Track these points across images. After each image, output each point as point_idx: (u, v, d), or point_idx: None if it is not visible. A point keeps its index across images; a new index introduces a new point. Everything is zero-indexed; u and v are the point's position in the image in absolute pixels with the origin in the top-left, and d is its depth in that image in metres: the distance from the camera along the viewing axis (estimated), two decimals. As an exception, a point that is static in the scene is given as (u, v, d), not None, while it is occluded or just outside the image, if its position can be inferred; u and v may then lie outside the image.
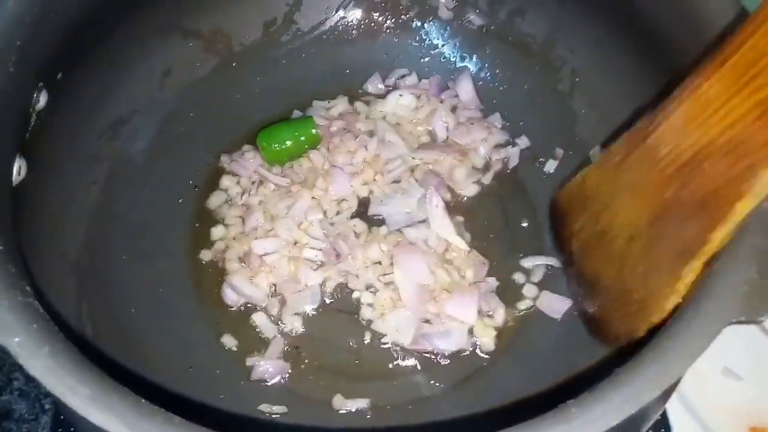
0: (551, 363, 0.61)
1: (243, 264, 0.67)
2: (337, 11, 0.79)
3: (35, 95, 0.54)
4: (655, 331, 0.41)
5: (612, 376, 0.37)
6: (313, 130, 0.72)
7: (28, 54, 0.50)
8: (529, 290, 0.66)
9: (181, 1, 0.71)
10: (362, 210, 0.70)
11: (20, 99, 0.51)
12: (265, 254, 0.66)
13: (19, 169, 0.51)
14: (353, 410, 0.60)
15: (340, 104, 0.76)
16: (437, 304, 0.62)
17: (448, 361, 0.63)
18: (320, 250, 0.67)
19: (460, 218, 0.69)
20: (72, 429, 0.66)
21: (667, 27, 0.58)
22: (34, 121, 0.55)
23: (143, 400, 0.35)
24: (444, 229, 0.66)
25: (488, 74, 0.78)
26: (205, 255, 0.69)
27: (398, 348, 0.63)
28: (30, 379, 0.71)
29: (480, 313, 0.63)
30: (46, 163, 0.57)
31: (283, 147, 0.71)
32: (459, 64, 0.79)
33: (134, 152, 0.70)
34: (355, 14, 0.79)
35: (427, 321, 0.63)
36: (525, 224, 0.70)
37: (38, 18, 0.52)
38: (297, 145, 0.72)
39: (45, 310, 0.39)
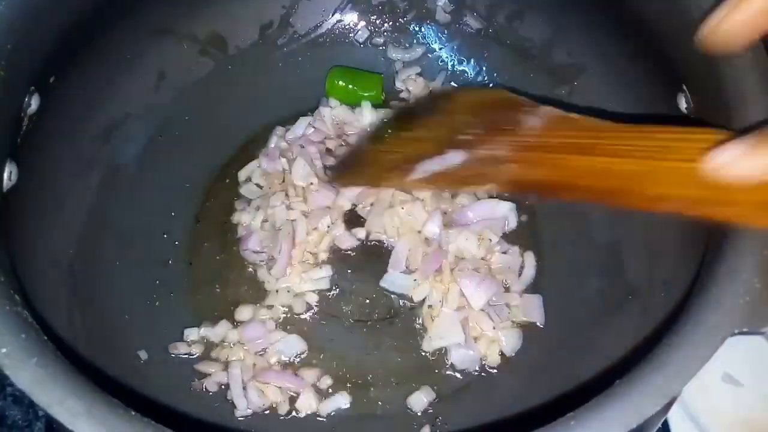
0: (551, 374, 0.60)
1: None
2: (333, 14, 0.78)
3: (27, 99, 0.53)
4: (656, 343, 0.40)
5: (612, 388, 0.36)
6: (375, 91, 0.76)
7: (19, 58, 0.50)
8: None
9: (176, 4, 0.70)
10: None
11: (12, 103, 0.51)
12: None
13: (9, 174, 0.50)
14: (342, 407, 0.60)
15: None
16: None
17: (452, 372, 0.62)
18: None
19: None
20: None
21: (666, 32, 0.57)
22: (25, 125, 0.54)
23: (134, 413, 0.34)
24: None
25: (486, 78, 0.77)
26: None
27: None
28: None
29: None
30: (37, 168, 0.56)
31: (342, 86, 0.75)
32: (457, 68, 0.78)
33: (128, 157, 0.69)
34: (352, 17, 0.79)
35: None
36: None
37: (28, 22, 0.51)
38: (354, 92, 0.75)
39: (35, 319, 0.39)
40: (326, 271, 0.67)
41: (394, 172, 0.65)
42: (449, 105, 0.66)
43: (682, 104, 0.56)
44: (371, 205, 0.70)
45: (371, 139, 0.72)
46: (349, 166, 0.70)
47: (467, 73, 0.78)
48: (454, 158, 0.60)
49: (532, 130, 0.56)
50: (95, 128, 0.66)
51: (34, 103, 0.54)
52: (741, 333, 0.37)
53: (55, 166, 0.60)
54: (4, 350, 0.34)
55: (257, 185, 0.72)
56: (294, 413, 0.61)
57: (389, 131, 0.71)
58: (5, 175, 0.49)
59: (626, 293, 0.62)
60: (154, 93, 0.72)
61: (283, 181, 0.72)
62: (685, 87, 0.55)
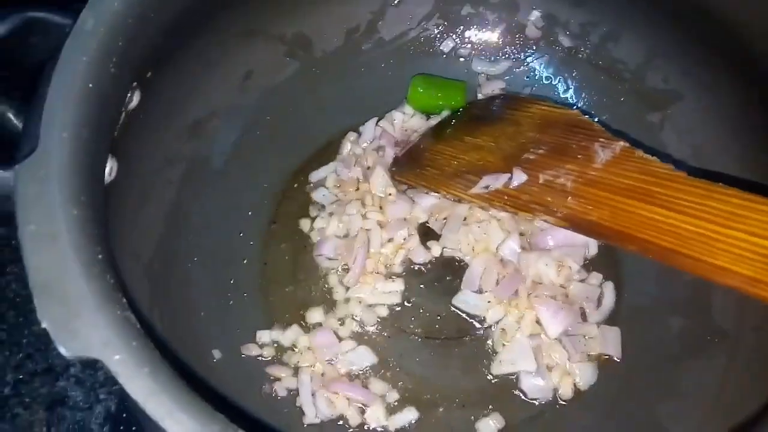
0: (629, 413, 0.58)
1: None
2: (420, 23, 0.77)
3: (129, 95, 0.53)
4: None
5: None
6: (460, 97, 0.74)
7: (128, 54, 0.50)
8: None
9: (267, 6, 0.70)
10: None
11: (118, 99, 0.51)
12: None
13: (110, 170, 0.51)
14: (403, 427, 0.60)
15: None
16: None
17: (522, 399, 0.61)
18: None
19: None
20: (133, 428, 0.66)
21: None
22: (123, 120, 0.54)
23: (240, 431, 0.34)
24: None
25: (574, 98, 0.75)
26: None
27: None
28: (87, 367, 0.71)
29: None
30: (127, 163, 0.57)
31: (425, 94, 0.74)
32: (543, 85, 0.76)
33: (211, 154, 0.70)
34: (438, 27, 0.77)
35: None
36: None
37: (139, 18, 0.51)
38: (436, 101, 0.74)
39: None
40: (398, 285, 0.67)
41: (456, 180, 0.64)
42: (519, 115, 0.65)
43: None
44: (444, 219, 0.69)
45: (434, 135, 0.71)
46: (410, 163, 0.70)
47: (554, 91, 0.76)
48: (517, 178, 0.59)
49: (600, 163, 0.54)
50: (181, 125, 0.67)
51: (136, 98, 0.54)
52: None
53: (142, 162, 0.61)
54: (116, 357, 0.34)
55: (333, 193, 0.72)
56: (363, 426, 0.60)
57: (452, 128, 0.70)
58: (107, 171, 0.50)
59: (712, 335, 0.60)
60: (240, 92, 0.72)
61: (357, 188, 0.71)
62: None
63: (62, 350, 0.35)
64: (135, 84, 0.54)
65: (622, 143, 0.55)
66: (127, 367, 0.34)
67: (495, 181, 0.61)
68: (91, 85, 0.46)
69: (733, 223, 0.43)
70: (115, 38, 0.48)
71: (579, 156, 0.56)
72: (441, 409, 0.62)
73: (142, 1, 0.51)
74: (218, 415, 0.34)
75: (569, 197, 0.54)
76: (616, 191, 0.51)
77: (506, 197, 0.59)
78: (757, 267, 0.41)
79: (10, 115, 0.63)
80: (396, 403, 0.62)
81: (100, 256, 0.39)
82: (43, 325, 0.35)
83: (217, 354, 0.62)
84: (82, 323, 0.36)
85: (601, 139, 0.56)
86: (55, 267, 0.37)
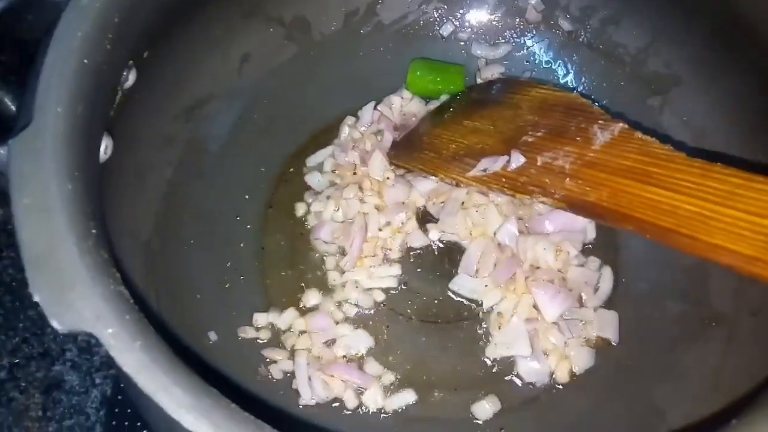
0: (625, 396, 0.58)
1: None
2: (420, 6, 0.77)
3: (125, 73, 0.53)
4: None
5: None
6: (459, 81, 0.74)
7: (123, 31, 0.50)
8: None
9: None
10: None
11: (113, 76, 0.51)
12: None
13: (105, 148, 0.50)
14: (400, 409, 0.60)
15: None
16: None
17: (518, 383, 0.61)
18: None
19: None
20: (128, 410, 0.66)
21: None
22: (119, 98, 0.54)
23: (233, 405, 0.34)
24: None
25: (573, 83, 0.74)
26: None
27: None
28: (83, 351, 0.71)
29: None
30: (124, 142, 0.56)
31: (424, 78, 0.74)
32: (543, 69, 0.76)
33: (208, 136, 0.69)
34: (438, 10, 0.77)
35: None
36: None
37: (135, -5, 0.51)
38: (435, 85, 0.74)
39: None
40: (395, 270, 0.66)
41: (453, 164, 0.64)
42: (518, 98, 0.65)
43: None
44: (442, 203, 0.69)
45: (432, 120, 0.71)
46: (409, 147, 0.69)
47: (554, 76, 0.75)
48: (515, 161, 0.59)
49: (599, 145, 0.54)
50: (179, 106, 0.66)
51: (131, 77, 0.54)
52: None
53: (139, 142, 0.60)
54: (110, 331, 0.34)
55: (329, 178, 0.71)
56: (359, 408, 0.60)
57: (451, 113, 0.70)
58: (102, 149, 0.50)
59: (710, 319, 0.59)
60: (237, 75, 0.71)
61: (355, 173, 0.71)
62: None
63: (55, 324, 0.34)
64: (131, 62, 0.53)
65: (621, 125, 0.54)
66: (119, 341, 0.34)
67: (493, 164, 0.60)
68: (86, 61, 0.45)
69: (731, 202, 0.43)
70: (111, 14, 0.48)
71: (578, 138, 0.55)
72: (437, 392, 0.62)
73: (138, -22, 0.50)
74: (211, 389, 0.34)
75: (567, 179, 0.53)
76: (615, 172, 0.51)
77: (504, 180, 0.59)
78: (755, 245, 0.41)
79: (7, 100, 0.63)
80: (392, 386, 0.62)
81: (94, 231, 0.39)
82: (35, 298, 0.35)
83: (213, 336, 0.61)
84: (74, 297, 0.35)
85: (600, 121, 0.55)
86: (48, 241, 0.37)
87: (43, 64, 0.44)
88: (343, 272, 0.66)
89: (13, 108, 0.63)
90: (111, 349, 0.34)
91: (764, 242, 0.40)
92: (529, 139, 0.59)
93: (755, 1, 0.55)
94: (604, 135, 0.54)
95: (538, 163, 0.56)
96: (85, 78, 0.45)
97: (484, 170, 0.61)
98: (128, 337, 0.34)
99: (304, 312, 0.65)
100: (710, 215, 0.44)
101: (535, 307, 0.63)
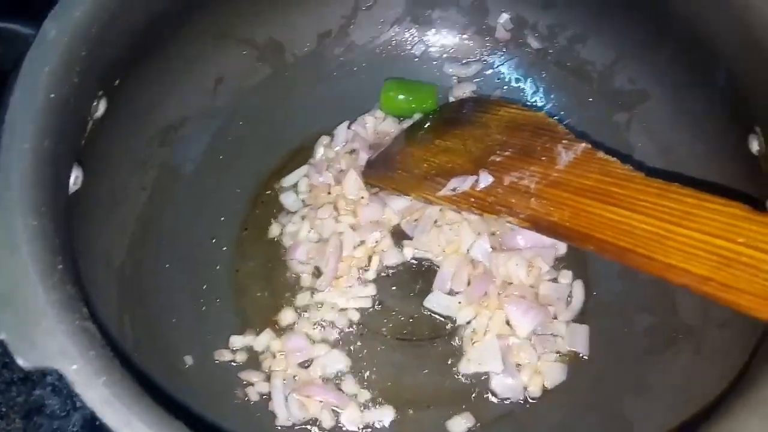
0: (597, 410, 0.59)
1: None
2: (392, 27, 0.78)
3: (95, 103, 0.54)
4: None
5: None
6: (431, 100, 0.75)
7: (91, 63, 0.50)
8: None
9: (238, 10, 0.70)
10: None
11: (82, 108, 0.51)
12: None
13: (75, 178, 0.51)
14: (377, 427, 0.60)
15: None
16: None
17: (492, 399, 0.62)
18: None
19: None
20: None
21: (742, 66, 0.55)
22: (90, 128, 0.55)
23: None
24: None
25: (543, 100, 0.76)
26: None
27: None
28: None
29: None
30: (97, 169, 0.57)
31: (397, 98, 0.75)
32: (513, 86, 0.77)
33: (182, 160, 0.70)
34: (410, 31, 0.78)
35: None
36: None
37: (103, 28, 0.51)
38: (408, 104, 0.74)
39: (97, 326, 0.39)
40: (371, 290, 0.67)
41: (424, 183, 0.65)
42: (488, 117, 0.66)
43: (754, 146, 0.54)
44: (416, 221, 0.70)
45: (405, 139, 0.72)
46: (382, 166, 0.70)
47: (523, 94, 0.77)
48: (484, 180, 0.60)
49: (563, 165, 0.55)
50: (153, 131, 0.67)
51: (102, 107, 0.55)
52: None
53: (112, 168, 0.61)
54: (74, 367, 0.35)
55: (304, 198, 0.72)
56: (336, 427, 0.61)
57: (423, 132, 0.71)
58: (71, 180, 0.50)
59: (678, 332, 0.61)
60: (212, 97, 0.72)
61: (329, 192, 0.72)
62: (758, 129, 0.54)
63: (20, 361, 0.35)
64: (101, 92, 0.54)
65: (584, 144, 0.56)
66: (83, 377, 0.34)
67: (462, 183, 0.61)
68: (53, 95, 0.46)
69: (686, 222, 0.44)
70: (78, 48, 0.49)
71: (543, 158, 0.57)
72: (412, 410, 0.62)
73: (106, 12, 0.51)
74: (176, 422, 0.34)
75: (532, 198, 0.54)
76: (577, 192, 0.52)
77: (473, 199, 0.60)
78: (707, 265, 0.42)
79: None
80: (369, 405, 0.62)
81: (60, 266, 0.40)
82: (1, 336, 0.36)
83: (189, 360, 0.62)
84: (39, 333, 0.36)
85: (564, 141, 0.57)
86: (13, 277, 0.37)
87: (9, 100, 0.44)
88: (318, 292, 0.67)
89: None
90: (75, 385, 0.34)
91: (717, 262, 0.42)
92: (498, 159, 0.61)
93: (713, 23, 0.56)
94: (567, 155, 0.55)
95: (505, 183, 0.58)
96: (52, 112, 0.45)
97: (454, 189, 0.62)
98: (92, 373, 0.35)
99: (280, 333, 0.65)
100: (666, 235, 0.45)
101: (508, 322, 0.64)
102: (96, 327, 0.39)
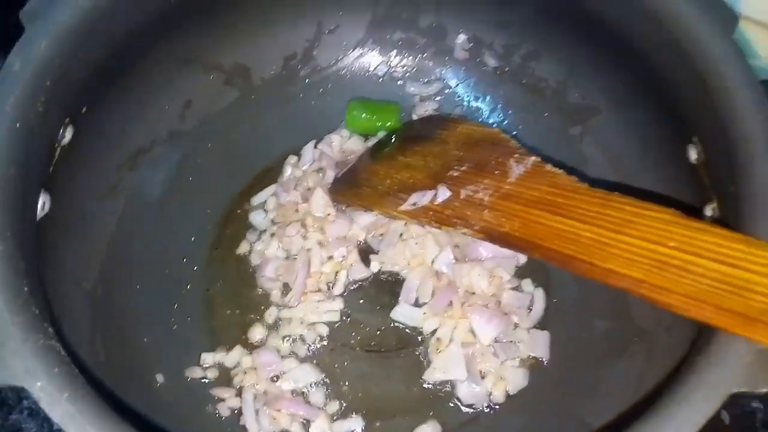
0: (557, 413, 0.61)
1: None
2: (354, 49, 0.81)
3: (61, 131, 0.55)
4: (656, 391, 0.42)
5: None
6: (392, 121, 0.78)
7: (56, 93, 0.52)
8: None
9: (204, 35, 0.73)
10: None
11: (48, 136, 0.53)
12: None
13: (43, 204, 0.52)
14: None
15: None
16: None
17: (458, 406, 0.64)
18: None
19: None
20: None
21: (678, 82, 0.59)
22: (57, 155, 0.56)
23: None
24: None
25: (501, 116, 0.79)
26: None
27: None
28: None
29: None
30: (66, 195, 0.59)
31: (361, 117, 0.77)
32: (473, 104, 0.80)
33: (152, 183, 0.72)
34: (372, 52, 0.81)
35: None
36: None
37: (68, 58, 0.53)
38: (372, 123, 0.77)
39: (63, 345, 0.41)
40: (338, 304, 0.69)
41: (387, 199, 0.68)
42: (446, 134, 0.69)
43: (692, 155, 0.57)
44: (381, 235, 0.72)
45: (370, 156, 0.74)
46: (348, 183, 0.73)
47: (482, 110, 0.80)
48: (442, 195, 0.63)
49: (514, 178, 0.58)
50: (121, 155, 0.69)
51: (68, 134, 0.56)
52: (740, 393, 0.38)
53: (82, 194, 0.62)
54: (39, 384, 0.36)
55: (272, 217, 0.74)
56: (306, 440, 0.62)
57: (387, 149, 0.73)
58: (39, 206, 0.52)
59: (633, 335, 0.63)
60: (180, 121, 0.74)
61: (297, 210, 0.74)
62: (695, 139, 0.57)
63: (-13, 380, 0.36)
64: (67, 120, 0.56)
65: (533, 158, 0.58)
66: (48, 393, 0.36)
67: (422, 198, 0.64)
68: (18, 125, 0.48)
69: (626, 229, 0.47)
70: (42, 79, 0.50)
71: (496, 171, 0.59)
72: (381, 420, 0.64)
73: (69, 44, 0.53)
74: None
75: (486, 210, 0.57)
76: (527, 203, 0.55)
77: (431, 213, 0.62)
78: (642, 268, 0.44)
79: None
80: (338, 416, 0.64)
81: (25, 289, 0.41)
82: (-33, 357, 0.37)
83: (160, 378, 0.63)
84: (5, 353, 0.37)
85: (516, 155, 0.59)
86: (-21, 301, 0.39)
87: (-25, 130, 0.46)
88: (288, 308, 0.69)
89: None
90: (40, 401, 0.36)
91: (650, 265, 0.44)
92: (455, 174, 0.63)
93: (647, 40, 0.60)
94: (519, 168, 0.58)
95: (462, 197, 0.60)
96: (16, 141, 0.47)
97: (414, 204, 0.64)
98: (56, 390, 0.36)
99: (251, 349, 0.67)
100: (607, 242, 0.48)
101: (471, 331, 0.66)
102: (61, 346, 0.41)
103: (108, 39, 0.58)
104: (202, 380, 0.65)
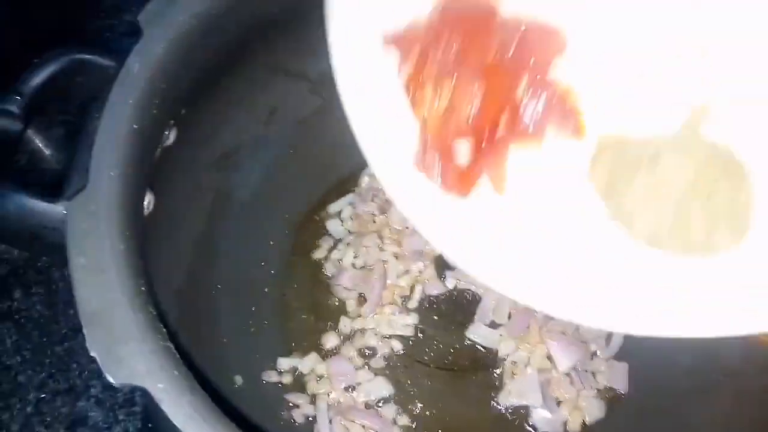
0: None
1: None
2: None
3: (167, 132, 0.57)
4: None
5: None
6: None
7: (168, 95, 0.53)
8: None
9: (292, 45, 0.73)
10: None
11: (157, 138, 0.54)
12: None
13: (148, 204, 0.54)
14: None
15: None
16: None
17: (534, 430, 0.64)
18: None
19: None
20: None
21: None
22: (158, 155, 0.58)
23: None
24: None
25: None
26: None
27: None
28: (107, 388, 0.73)
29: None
30: (161, 196, 0.60)
31: None
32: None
33: (236, 185, 0.73)
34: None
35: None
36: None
37: (180, 62, 0.54)
38: None
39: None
40: (413, 318, 0.69)
41: None
42: None
43: None
44: (458, 251, 0.72)
45: None
46: None
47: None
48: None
49: None
50: (210, 157, 0.70)
51: (172, 136, 0.58)
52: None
53: (175, 194, 0.63)
54: (161, 385, 0.37)
55: (347, 228, 0.74)
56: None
57: None
58: (145, 204, 0.53)
59: (719, 374, 0.61)
60: (265, 126, 0.75)
61: (374, 221, 0.74)
62: None
63: (109, 378, 0.37)
64: (172, 122, 0.57)
65: None
66: (169, 395, 0.37)
67: None
68: (135, 126, 0.49)
69: None
70: (159, 81, 0.52)
71: None
72: (453, 439, 0.64)
73: (183, 48, 0.54)
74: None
75: None
76: None
77: None
78: None
79: (48, 152, 0.67)
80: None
81: (143, 288, 0.42)
82: (92, 353, 0.38)
83: (239, 380, 0.64)
84: (127, 353, 0.38)
85: None
86: (102, 299, 0.40)
87: (96, 130, 0.47)
88: (362, 318, 0.69)
89: (52, 160, 0.67)
90: (162, 403, 0.36)
91: None
92: None
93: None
94: None
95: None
96: (134, 141, 0.48)
97: None
98: (177, 393, 0.37)
99: (325, 357, 0.67)
100: None
101: (548, 357, 0.66)
102: (174, 347, 0.41)
103: (216, 44, 0.59)
104: (278, 384, 0.65)
